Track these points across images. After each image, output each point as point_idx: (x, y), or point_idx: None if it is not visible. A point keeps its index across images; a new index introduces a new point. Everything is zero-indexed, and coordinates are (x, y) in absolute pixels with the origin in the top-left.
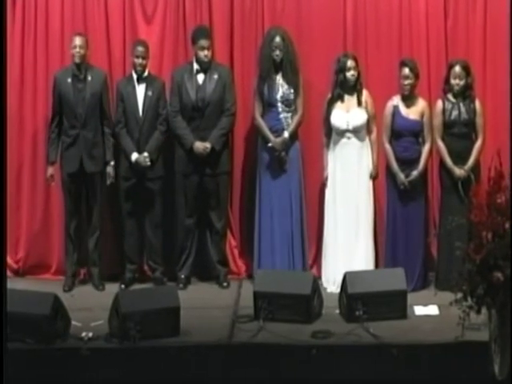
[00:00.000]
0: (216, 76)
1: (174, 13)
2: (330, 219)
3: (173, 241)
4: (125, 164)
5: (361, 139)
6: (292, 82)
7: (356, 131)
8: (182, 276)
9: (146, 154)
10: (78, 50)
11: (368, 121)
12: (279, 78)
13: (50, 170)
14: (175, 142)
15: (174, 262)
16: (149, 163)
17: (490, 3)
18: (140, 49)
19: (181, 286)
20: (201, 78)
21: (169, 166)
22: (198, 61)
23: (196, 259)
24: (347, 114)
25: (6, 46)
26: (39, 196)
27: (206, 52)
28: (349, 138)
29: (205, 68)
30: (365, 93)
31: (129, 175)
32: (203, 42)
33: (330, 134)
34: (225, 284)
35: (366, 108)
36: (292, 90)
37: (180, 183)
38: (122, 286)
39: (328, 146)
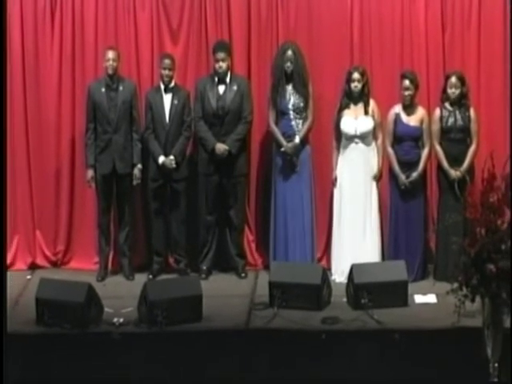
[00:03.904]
0: (235, 87)
1: (197, 28)
2: (339, 216)
3: (196, 236)
4: (153, 166)
5: (367, 144)
6: (301, 92)
7: (363, 137)
8: (204, 267)
9: (171, 157)
10: (110, 62)
11: (375, 128)
12: (290, 88)
13: (90, 173)
14: (199, 146)
15: (197, 255)
16: (174, 165)
17: (483, 19)
18: (167, 61)
19: (203, 276)
20: (221, 88)
21: (192, 168)
22: (214, 71)
23: (216, 252)
24: (355, 121)
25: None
26: (76, 196)
27: (220, 63)
28: (356, 142)
29: (221, 78)
30: (372, 102)
31: (156, 177)
32: (217, 55)
33: (340, 139)
34: (243, 275)
35: (373, 116)
36: (302, 99)
37: (202, 183)
38: (150, 276)
39: (338, 149)
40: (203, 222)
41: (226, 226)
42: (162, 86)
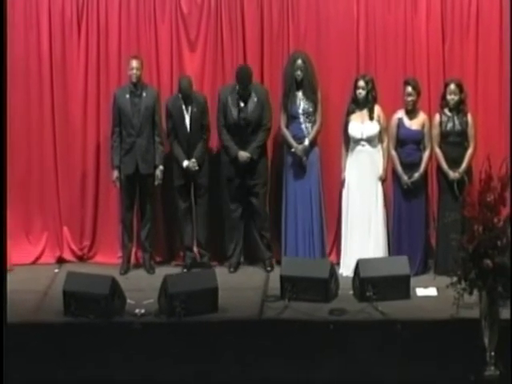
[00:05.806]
0: (255, 98)
1: (213, 39)
2: (347, 214)
3: (218, 232)
4: (177, 168)
5: (373, 147)
6: (311, 98)
7: (369, 140)
8: (234, 261)
9: (193, 159)
10: (134, 71)
11: (380, 132)
12: (300, 95)
13: (115, 173)
14: (221, 151)
15: (219, 249)
16: (197, 167)
17: (481, 31)
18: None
19: (231, 270)
20: (243, 100)
21: (214, 168)
22: (237, 91)
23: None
24: (362, 125)
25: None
26: (101, 195)
27: (245, 94)
28: (363, 145)
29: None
30: (378, 108)
31: (181, 175)
32: (240, 86)
33: (348, 142)
34: (269, 268)
35: (379, 121)
36: (311, 104)
37: (225, 185)
38: (185, 270)
39: (346, 152)
40: (228, 220)
41: (251, 222)
42: (180, 96)
